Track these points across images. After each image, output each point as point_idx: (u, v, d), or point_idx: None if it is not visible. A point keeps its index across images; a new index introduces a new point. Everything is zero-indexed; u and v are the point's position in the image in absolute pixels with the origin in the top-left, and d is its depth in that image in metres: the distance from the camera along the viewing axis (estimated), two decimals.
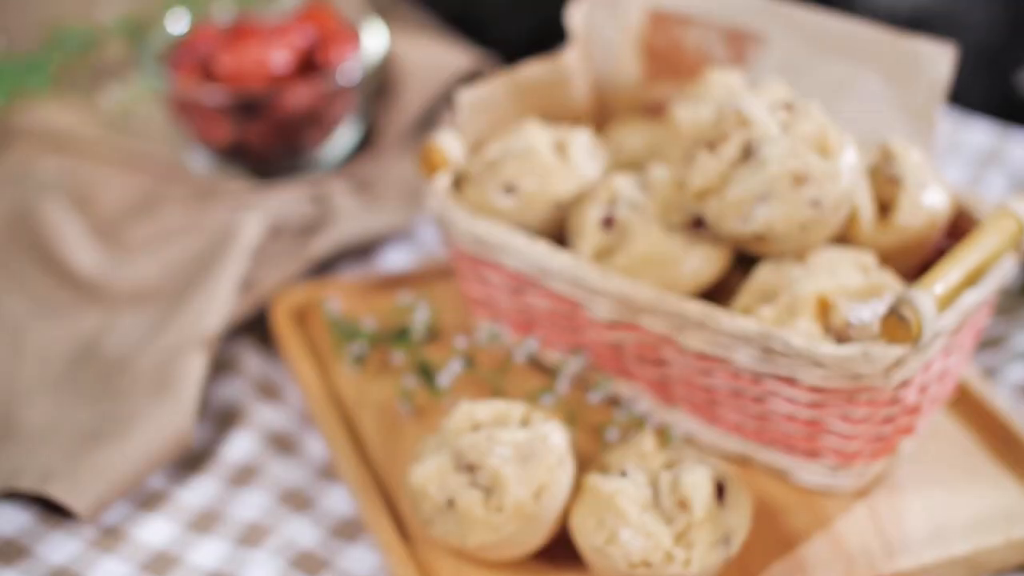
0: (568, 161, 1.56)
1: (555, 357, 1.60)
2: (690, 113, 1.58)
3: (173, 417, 1.53)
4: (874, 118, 1.58)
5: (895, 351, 1.33)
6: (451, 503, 1.35)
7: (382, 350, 1.67)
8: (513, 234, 1.51)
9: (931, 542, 1.42)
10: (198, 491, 1.53)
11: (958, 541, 1.41)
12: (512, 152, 1.55)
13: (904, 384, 1.38)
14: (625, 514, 1.32)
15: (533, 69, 1.63)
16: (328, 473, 1.55)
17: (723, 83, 1.60)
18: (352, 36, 2.00)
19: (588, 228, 1.49)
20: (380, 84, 2.08)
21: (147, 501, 1.51)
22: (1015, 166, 2.01)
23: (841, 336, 1.38)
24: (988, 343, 1.70)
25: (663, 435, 1.52)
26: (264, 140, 1.95)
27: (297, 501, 1.51)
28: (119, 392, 1.60)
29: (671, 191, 1.48)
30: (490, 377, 1.59)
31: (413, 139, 2.05)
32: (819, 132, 1.42)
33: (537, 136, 1.56)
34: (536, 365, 1.64)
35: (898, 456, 1.49)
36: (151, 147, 2.04)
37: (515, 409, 1.41)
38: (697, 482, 1.34)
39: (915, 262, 1.52)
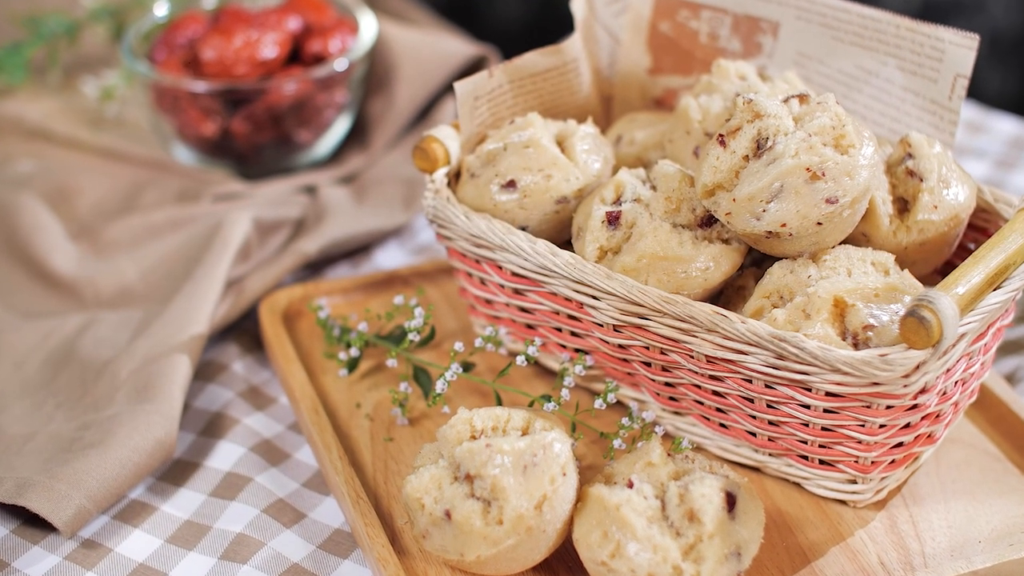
0: (571, 155, 1.55)
1: (558, 361, 1.59)
2: (700, 105, 1.57)
3: (156, 425, 1.53)
4: (893, 110, 1.57)
5: (915, 355, 1.32)
6: (448, 515, 1.34)
7: (376, 354, 1.66)
8: (513, 232, 1.49)
9: (952, 556, 1.41)
10: (182, 503, 1.52)
11: (980, 554, 1.41)
12: (512, 146, 1.54)
13: (924, 390, 1.37)
14: (631, 527, 1.31)
15: (534, 59, 1.62)
16: (318, 484, 1.54)
17: (735, 73, 1.60)
18: (342, 25, 2.01)
19: (592, 226, 1.48)
20: (372, 75, 2.06)
21: (128, 513, 1.51)
22: None
23: (858, 340, 1.37)
24: (1012, 346, 1.70)
25: (671, 444, 1.52)
26: (251, 133, 1.96)
27: (286, 513, 1.50)
28: (99, 398, 1.59)
29: (680, 187, 1.47)
30: (489, 383, 1.58)
31: (408, 132, 2.07)
32: (835, 125, 1.40)
33: (539, 129, 1.55)
34: (538, 370, 1.64)
35: (918, 465, 1.48)
36: (133, 141, 2.07)
37: (516, 416, 1.40)
38: (707, 493, 1.33)
39: (936, 261, 1.51)
